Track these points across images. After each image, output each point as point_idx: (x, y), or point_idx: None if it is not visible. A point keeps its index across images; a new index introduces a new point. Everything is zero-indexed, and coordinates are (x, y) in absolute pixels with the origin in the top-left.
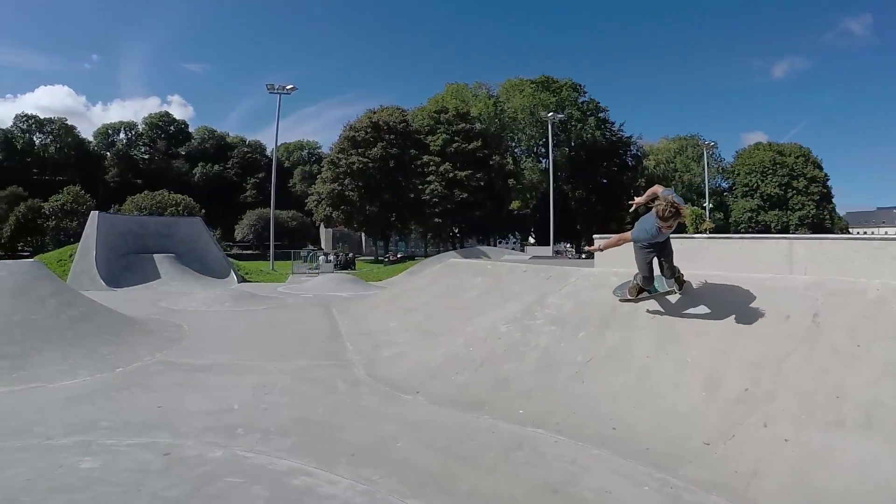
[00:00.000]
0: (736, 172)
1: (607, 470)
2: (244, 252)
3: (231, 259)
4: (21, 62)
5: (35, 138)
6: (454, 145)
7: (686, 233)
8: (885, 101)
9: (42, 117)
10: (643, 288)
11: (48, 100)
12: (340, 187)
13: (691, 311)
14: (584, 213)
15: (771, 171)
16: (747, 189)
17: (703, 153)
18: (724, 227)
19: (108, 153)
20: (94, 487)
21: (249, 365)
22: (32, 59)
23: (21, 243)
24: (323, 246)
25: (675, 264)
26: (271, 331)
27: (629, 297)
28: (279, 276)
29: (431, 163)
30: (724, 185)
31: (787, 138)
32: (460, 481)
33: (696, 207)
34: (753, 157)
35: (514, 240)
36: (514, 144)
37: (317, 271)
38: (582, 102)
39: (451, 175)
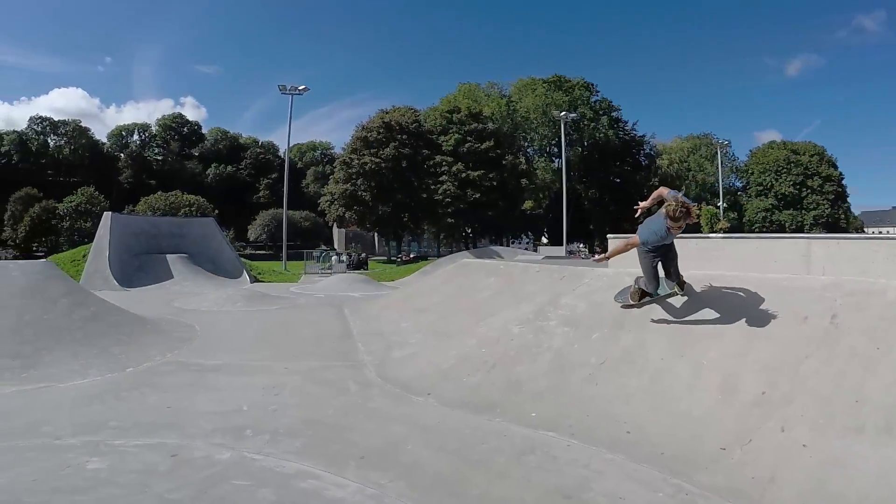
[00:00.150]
0: (750, 171)
1: (621, 475)
2: (257, 252)
3: (244, 259)
4: (35, 65)
5: (49, 140)
6: (467, 145)
7: (701, 232)
8: None
9: (56, 119)
10: (646, 292)
11: (62, 102)
12: (353, 187)
13: (706, 312)
14: (597, 213)
15: (785, 170)
16: (761, 188)
17: (716, 152)
18: (738, 226)
19: (122, 154)
20: (100, 489)
21: (260, 365)
22: (46, 62)
23: (35, 244)
24: (336, 246)
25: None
26: (283, 331)
27: (631, 303)
28: (292, 277)
29: (444, 163)
30: (738, 184)
31: (801, 137)
32: (471, 486)
33: (710, 207)
34: (767, 156)
35: (527, 240)
36: (526, 144)
37: (329, 271)
38: (594, 101)
39: (463, 175)
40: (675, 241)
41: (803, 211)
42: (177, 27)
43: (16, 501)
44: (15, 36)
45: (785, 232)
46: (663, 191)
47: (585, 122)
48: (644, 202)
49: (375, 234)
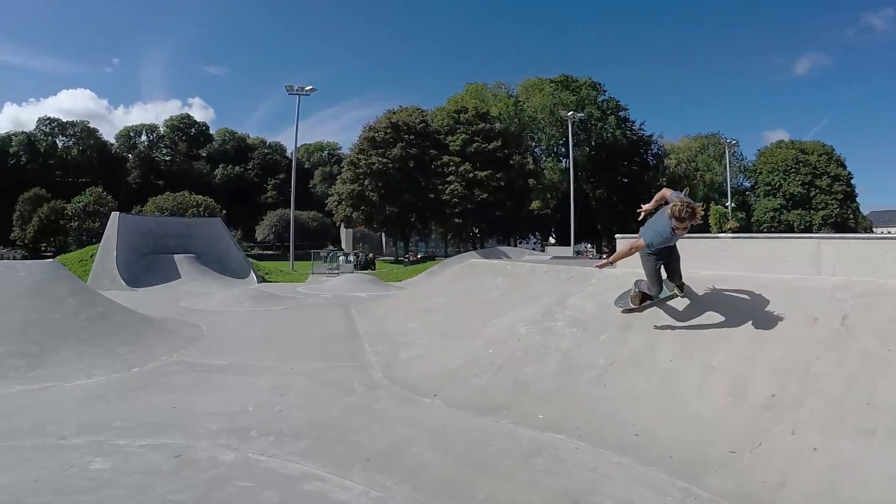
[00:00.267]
0: (758, 171)
1: (629, 478)
2: (265, 252)
3: (251, 259)
4: (43, 67)
5: (58, 141)
6: (474, 145)
7: (710, 232)
8: None
9: (65, 120)
10: (648, 295)
11: (71, 103)
12: (360, 188)
13: (715, 313)
14: (604, 213)
15: (793, 169)
16: (770, 188)
17: (724, 152)
18: (746, 226)
19: (130, 155)
20: (102, 490)
21: (266, 366)
22: (54, 63)
23: (44, 244)
24: (343, 246)
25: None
26: (289, 331)
27: (632, 307)
28: (299, 277)
29: (451, 163)
30: (747, 184)
31: (809, 136)
32: (477, 489)
33: (719, 206)
34: (776, 156)
35: (535, 240)
36: (534, 144)
37: (336, 271)
38: (602, 101)
39: (471, 175)
40: (683, 241)
41: (812, 211)
42: (184, 28)
43: (17, 502)
44: (23, 38)
45: (793, 232)
46: (666, 192)
47: (593, 122)
48: (647, 205)
49: (383, 235)
